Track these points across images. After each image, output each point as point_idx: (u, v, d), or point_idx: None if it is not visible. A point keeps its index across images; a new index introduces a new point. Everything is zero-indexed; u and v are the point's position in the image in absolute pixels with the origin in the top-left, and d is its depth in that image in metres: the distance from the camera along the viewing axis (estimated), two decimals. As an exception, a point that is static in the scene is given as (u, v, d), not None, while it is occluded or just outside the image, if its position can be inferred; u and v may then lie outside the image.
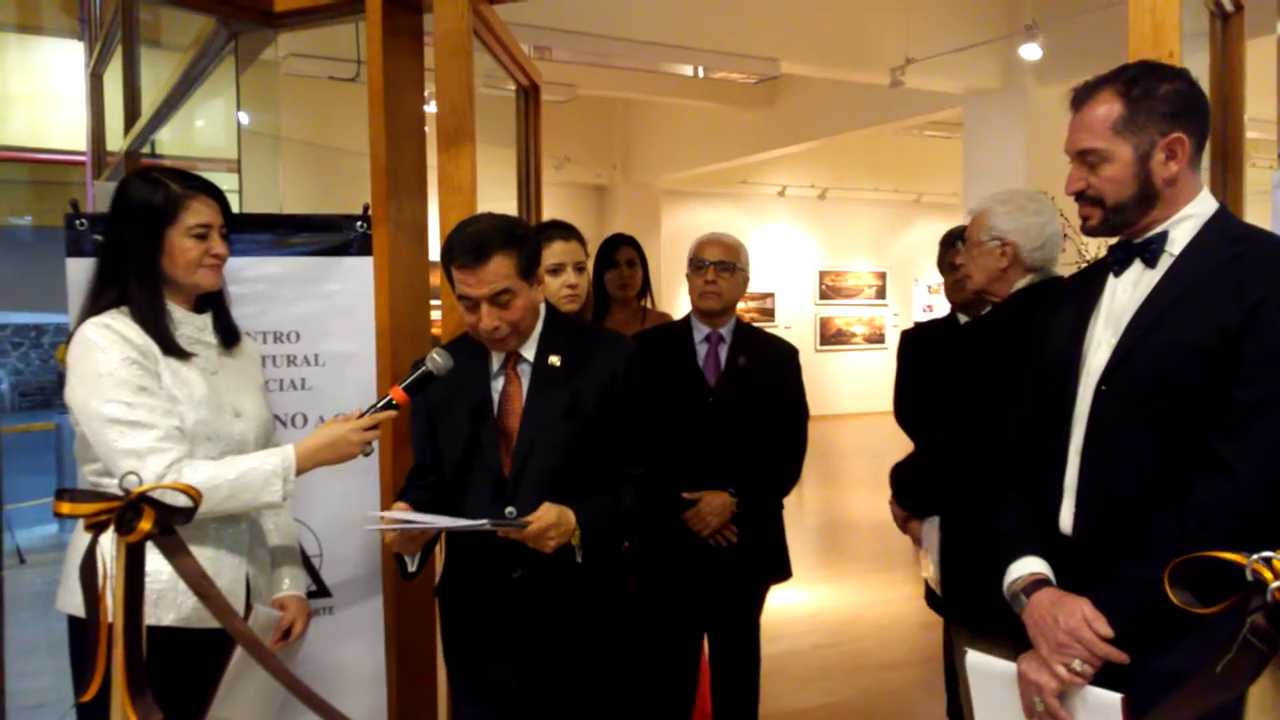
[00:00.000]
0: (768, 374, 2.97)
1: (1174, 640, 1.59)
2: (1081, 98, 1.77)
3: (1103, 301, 1.81)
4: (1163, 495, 1.65)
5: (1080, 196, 1.79)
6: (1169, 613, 1.38)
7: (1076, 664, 1.64)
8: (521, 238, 2.09)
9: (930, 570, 2.74)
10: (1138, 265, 1.77)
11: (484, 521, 1.95)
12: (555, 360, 2.15)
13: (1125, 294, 1.77)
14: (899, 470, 2.75)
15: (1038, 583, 1.76)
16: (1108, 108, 1.72)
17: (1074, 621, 1.65)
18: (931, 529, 2.71)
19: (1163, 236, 1.74)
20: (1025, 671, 1.70)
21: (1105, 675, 1.64)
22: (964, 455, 2.43)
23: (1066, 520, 1.78)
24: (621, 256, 3.65)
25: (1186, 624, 1.42)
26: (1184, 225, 1.74)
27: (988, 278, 2.55)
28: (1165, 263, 1.73)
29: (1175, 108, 1.70)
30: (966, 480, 2.41)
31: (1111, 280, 1.81)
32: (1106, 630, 1.63)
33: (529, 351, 2.16)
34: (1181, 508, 1.62)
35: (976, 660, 1.83)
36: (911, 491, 2.77)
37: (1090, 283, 1.86)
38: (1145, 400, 1.68)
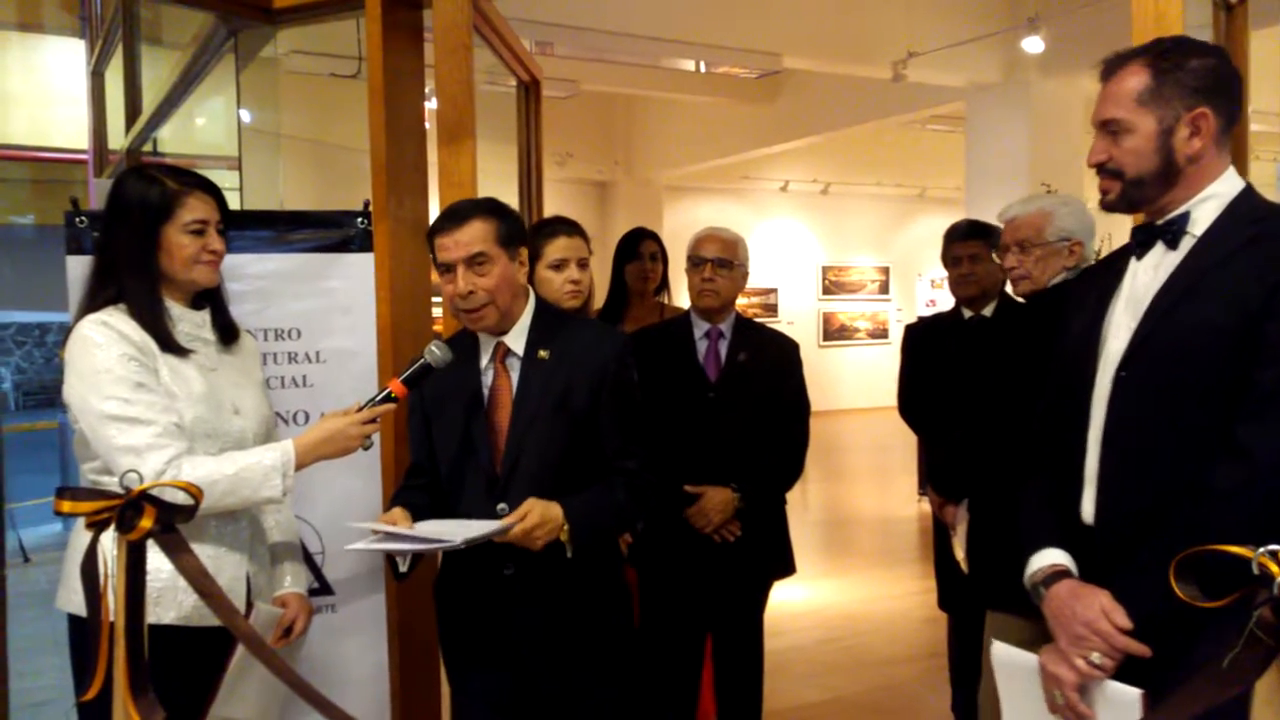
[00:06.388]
0: (768, 369, 2.96)
1: (1195, 633, 1.54)
2: (1112, 68, 1.73)
3: (1123, 285, 1.76)
4: (1184, 481, 1.59)
5: (1101, 169, 1.74)
6: (1190, 603, 1.35)
7: (1095, 657, 1.59)
8: (506, 211, 2.14)
9: (960, 551, 2.91)
10: (1160, 247, 1.72)
11: (460, 542, 1.91)
12: (544, 354, 2.14)
13: (1146, 277, 1.73)
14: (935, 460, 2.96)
15: (1057, 574, 1.71)
16: (1135, 79, 1.68)
17: (1091, 613, 1.60)
18: (963, 512, 2.85)
19: (1184, 217, 1.69)
20: (1045, 664, 1.66)
21: (1130, 669, 1.59)
22: (990, 442, 2.52)
23: (1088, 509, 1.73)
24: (645, 249, 3.66)
25: (1202, 615, 1.39)
26: (1207, 205, 1.69)
27: (1053, 276, 2.62)
28: (1187, 244, 1.69)
29: (1204, 83, 1.66)
30: (992, 466, 2.47)
31: (1133, 263, 1.77)
32: (1124, 622, 1.58)
33: (517, 345, 2.15)
34: (1202, 494, 1.57)
35: (1001, 652, 1.79)
36: (944, 478, 2.95)
37: (1112, 268, 1.82)
38: (1165, 385, 1.63)
